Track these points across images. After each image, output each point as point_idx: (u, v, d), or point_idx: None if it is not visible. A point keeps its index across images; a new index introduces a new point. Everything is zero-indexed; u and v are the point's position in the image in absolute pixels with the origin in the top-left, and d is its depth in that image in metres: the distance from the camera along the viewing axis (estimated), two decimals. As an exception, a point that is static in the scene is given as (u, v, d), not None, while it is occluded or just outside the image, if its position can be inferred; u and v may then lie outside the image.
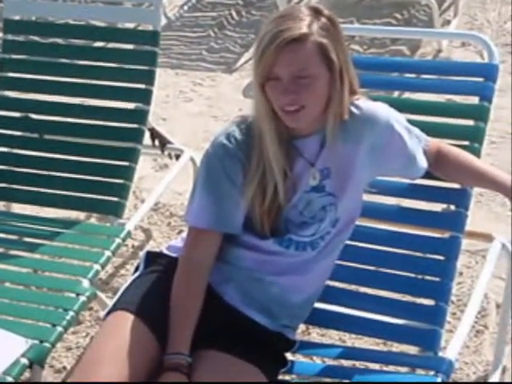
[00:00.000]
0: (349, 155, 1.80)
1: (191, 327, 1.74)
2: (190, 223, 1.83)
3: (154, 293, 1.80)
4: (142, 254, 1.96)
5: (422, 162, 1.91)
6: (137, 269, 1.92)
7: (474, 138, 2.09)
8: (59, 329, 2.04)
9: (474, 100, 2.16)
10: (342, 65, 1.72)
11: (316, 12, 1.71)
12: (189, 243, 1.82)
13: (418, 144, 1.90)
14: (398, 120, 1.86)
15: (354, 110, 1.79)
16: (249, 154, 1.77)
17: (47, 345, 1.99)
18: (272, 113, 1.73)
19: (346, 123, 1.77)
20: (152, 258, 1.91)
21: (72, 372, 2.47)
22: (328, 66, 1.70)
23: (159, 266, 1.87)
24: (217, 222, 1.79)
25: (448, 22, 4.63)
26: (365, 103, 1.82)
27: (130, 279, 1.88)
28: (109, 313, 1.78)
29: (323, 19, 1.70)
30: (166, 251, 1.92)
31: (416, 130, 1.91)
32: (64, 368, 2.54)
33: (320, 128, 1.78)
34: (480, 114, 2.12)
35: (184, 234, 1.93)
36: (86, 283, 2.20)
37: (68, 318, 2.07)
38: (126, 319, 1.73)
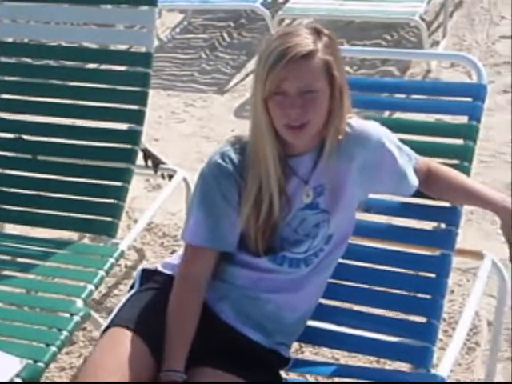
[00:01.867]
0: (342, 173, 1.83)
1: (187, 344, 1.75)
2: (186, 241, 1.85)
3: (150, 309, 1.81)
4: (137, 271, 1.97)
5: (413, 180, 1.93)
6: (132, 286, 1.93)
7: (463, 157, 2.11)
8: (53, 349, 2.04)
9: (463, 120, 2.19)
10: (341, 82, 1.76)
11: (317, 31, 1.74)
12: (185, 260, 1.84)
13: (408, 162, 1.92)
14: (389, 138, 1.89)
15: (346, 128, 1.82)
16: (243, 173, 1.79)
17: (41, 364, 1.99)
18: (273, 130, 1.75)
19: (340, 141, 1.80)
20: (147, 275, 1.92)
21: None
22: (330, 83, 1.73)
23: (155, 284, 1.89)
24: (213, 240, 1.81)
25: (437, 43, 4.69)
26: (357, 122, 1.85)
27: (125, 296, 1.89)
28: (105, 330, 1.79)
29: (325, 38, 1.74)
30: (161, 268, 1.93)
31: (406, 149, 1.94)
32: (57, 388, 2.54)
33: (314, 147, 1.81)
34: (469, 133, 2.14)
35: (180, 252, 1.95)
36: (79, 303, 2.20)
37: (62, 337, 2.07)
38: (123, 335, 1.73)
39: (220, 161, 1.80)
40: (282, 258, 1.83)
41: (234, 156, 1.80)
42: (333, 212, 1.84)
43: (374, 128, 1.87)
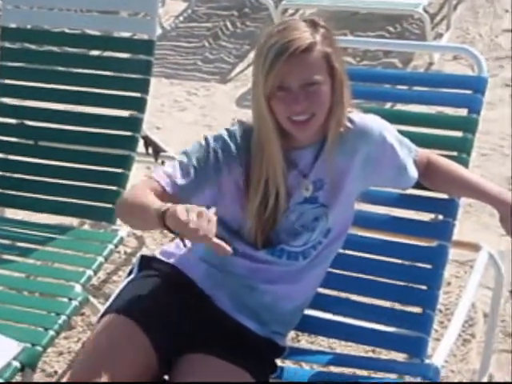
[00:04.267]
0: (343, 167, 1.83)
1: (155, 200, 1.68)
2: (153, 175, 1.78)
3: (147, 296, 1.81)
4: (136, 257, 1.98)
5: (413, 172, 1.94)
6: (130, 272, 1.93)
7: (462, 149, 2.12)
8: (51, 333, 2.06)
9: (464, 112, 2.20)
10: (342, 73, 1.76)
11: (313, 24, 1.74)
12: (145, 186, 1.75)
13: (408, 154, 1.93)
14: (390, 131, 1.89)
15: (347, 123, 1.82)
16: (245, 159, 1.78)
17: (39, 348, 2.01)
18: (276, 124, 1.74)
19: (341, 136, 1.80)
20: (146, 262, 1.93)
21: (64, 376, 2.49)
22: (331, 74, 1.73)
23: (153, 271, 1.89)
24: (181, 189, 1.74)
25: (440, 36, 4.69)
26: (357, 116, 1.85)
27: (124, 282, 1.90)
28: (102, 316, 1.79)
29: (322, 30, 1.74)
30: (159, 256, 1.94)
31: (406, 141, 1.94)
32: (55, 372, 2.55)
33: (316, 140, 1.81)
34: (468, 125, 2.15)
35: (177, 240, 1.96)
36: (78, 288, 2.22)
37: (60, 322, 2.09)
38: (120, 321, 1.74)
39: (226, 137, 1.79)
40: (281, 250, 1.84)
41: (239, 139, 1.79)
42: (331, 206, 1.84)
43: (374, 122, 1.87)
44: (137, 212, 1.69)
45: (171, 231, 1.57)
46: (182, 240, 1.59)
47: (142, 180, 1.80)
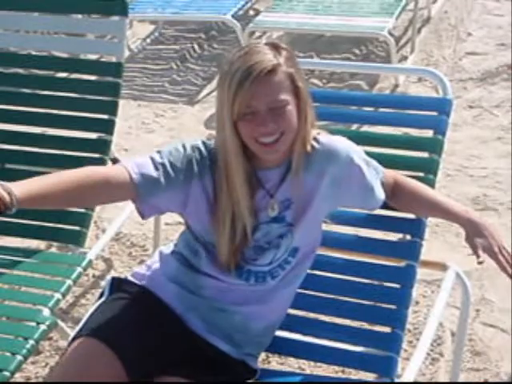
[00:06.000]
0: (310, 188, 1.84)
1: (41, 187, 1.69)
2: (123, 162, 1.78)
3: (119, 319, 1.80)
4: (106, 280, 1.97)
5: (380, 194, 1.96)
6: (101, 295, 1.92)
7: (428, 170, 2.15)
8: (19, 358, 2.03)
9: (429, 133, 2.23)
10: (306, 93, 1.78)
11: (274, 46, 1.76)
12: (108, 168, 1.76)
13: (375, 176, 1.94)
14: (357, 153, 1.91)
15: (315, 144, 1.83)
16: (212, 177, 1.79)
17: (7, 373, 1.97)
18: (241, 149, 1.75)
19: (309, 157, 1.82)
20: (117, 284, 1.92)
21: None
22: (296, 94, 1.75)
23: (124, 293, 1.88)
24: (143, 183, 1.74)
25: (405, 58, 4.76)
26: (325, 138, 1.87)
27: (95, 305, 1.89)
28: (73, 339, 1.78)
29: (283, 52, 1.75)
30: (130, 278, 1.93)
31: (374, 162, 1.96)
32: (22, 398, 2.52)
33: (283, 161, 1.82)
34: (434, 146, 2.18)
35: (148, 262, 1.95)
36: (46, 312, 2.19)
37: (28, 346, 2.06)
38: (92, 345, 1.73)
39: (203, 149, 1.80)
40: (248, 272, 1.85)
41: (213, 154, 1.79)
42: (297, 225, 1.85)
43: (342, 143, 1.88)
44: None
45: None
46: None
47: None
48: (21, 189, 1.64)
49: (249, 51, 1.73)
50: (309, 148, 1.82)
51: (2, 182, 1.62)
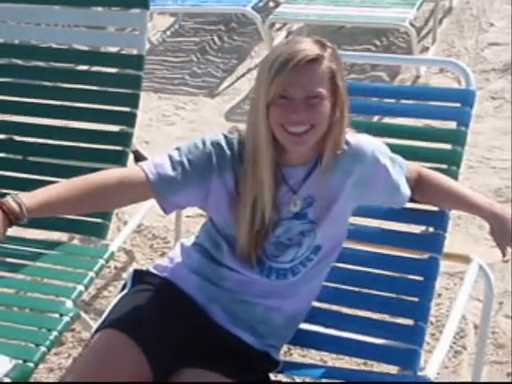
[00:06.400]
0: (335, 187, 1.83)
1: (52, 196, 1.72)
2: (141, 164, 1.79)
3: (141, 311, 1.81)
4: (128, 272, 1.98)
5: (406, 190, 1.94)
6: (124, 287, 1.93)
7: (451, 162, 2.14)
8: (42, 349, 2.05)
9: (452, 125, 2.21)
10: (344, 93, 1.76)
11: (320, 43, 1.75)
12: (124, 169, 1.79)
13: (401, 172, 1.93)
14: (382, 151, 1.89)
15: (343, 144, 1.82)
16: (238, 168, 1.78)
17: (30, 365, 1.99)
18: (271, 140, 1.73)
19: (336, 157, 1.80)
20: (139, 276, 1.93)
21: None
22: (334, 92, 1.73)
23: (146, 285, 1.89)
24: (160, 182, 1.75)
25: (426, 49, 4.72)
26: (352, 137, 1.84)
27: (117, 297, 1.90)
28: (96, 331, 1.79)
29: (329, 49, 1.75)
30: (153, 270, 1.94)
31: (398, 159, 1.94)
32: (46, 389, 2.54)
33: (310, 160, 1.81)
34: (457, 138, 2.17)
35: (170, 254, 1.96)
36: (69, 304, 2.21)
37: (51, 338, 2.08)
38: (115, 337, 1.74)
39: (224, 144, 1.79)
40: (269, 269, 1.84)
41: (235, 148, 1.79)
42: (320, 223, 1.84)
43: (368, 142, 1.86)
44: None
45: None
46: None
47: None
48: (34, 200, 1.69)
49: (295, 41, 1.73)
50: (340, 151, 1.80)
51: (14, 195, 1.68)
